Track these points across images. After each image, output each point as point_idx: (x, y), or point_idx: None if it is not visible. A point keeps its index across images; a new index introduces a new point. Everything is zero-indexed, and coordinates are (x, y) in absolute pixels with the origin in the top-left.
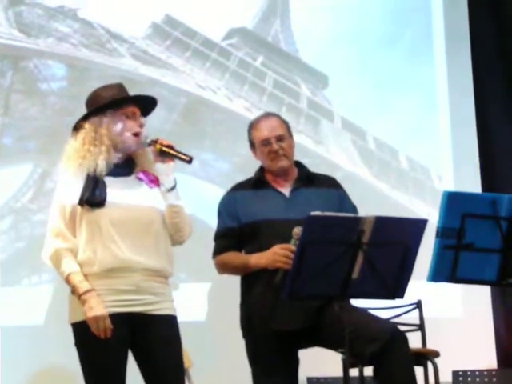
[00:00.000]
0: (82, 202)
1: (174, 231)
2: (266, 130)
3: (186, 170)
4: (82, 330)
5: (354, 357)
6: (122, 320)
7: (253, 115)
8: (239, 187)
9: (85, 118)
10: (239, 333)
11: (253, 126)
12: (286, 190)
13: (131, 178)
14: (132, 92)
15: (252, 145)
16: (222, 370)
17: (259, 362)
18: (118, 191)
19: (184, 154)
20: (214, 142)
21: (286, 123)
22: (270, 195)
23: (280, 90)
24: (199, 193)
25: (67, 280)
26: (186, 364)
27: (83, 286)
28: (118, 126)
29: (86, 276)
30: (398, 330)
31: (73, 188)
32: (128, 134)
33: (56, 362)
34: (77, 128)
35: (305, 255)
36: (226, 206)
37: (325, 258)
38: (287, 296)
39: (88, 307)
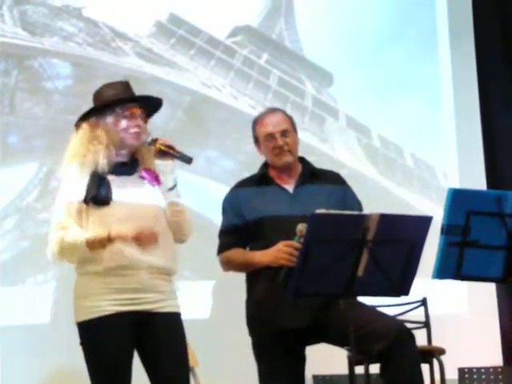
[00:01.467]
0: (87, 200)
1: (176, 230)
2: (270, 125)
3: (190, 167)
4: (86, 330)
5: (360, 354)
6: (126, 319)
7: (257, 113)
8: (243, 184)
9: (84, 117)
10: (244, 331)
11: (257, 121)
12: (289, 186)
13: (134, 177)
14: (136, 90)
15: (256, 140)
16: (227, 368)
17: (265, 360)
18: (121, 190)
19: (184, 155)
20: (219, 139)
21: (290, 118)
22: (273, 191)
23: (285, 87)
24: (204, 190)
25: (88, 245)
26: (192, 363)
27: (103, 233)
28: (116, 126)
29: (90, 274)
30: (406, 327)
31: (78, 186)
32: (125, 134)
33: (61, 362)
34: (77, 126)
35: (309, 253)
36: (230, 203)
37: (329, 255)
38: (292, 294)
39: (119, 236)
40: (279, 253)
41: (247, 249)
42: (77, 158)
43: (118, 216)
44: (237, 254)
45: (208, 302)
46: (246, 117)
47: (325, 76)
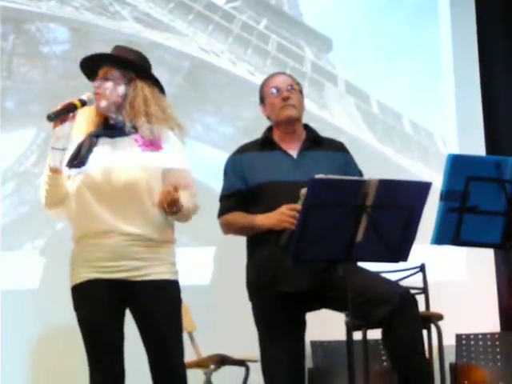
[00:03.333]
0: (66, 165)
1: (176, 220)
2: (277, 81)
3: (188, 134)
4: (75, 294)
5: (361, 319)
6: (106, 285)
7: (256, 79)
8: (246, 148)
9: None
10: (244, 296)
11: (265, 81)
12: (293, 152)
13: (128, 138)
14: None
15: (262, 100)
16: (227, 333)
17: (265, 324)
18: (105, 153)
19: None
20: (218, 105)
21: (298, 83)
22: (277, 157)
23: (284, 53)
24: (202, 156)
25: (46, 174)
26: (190, 328)
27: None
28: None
29: (74, 242)
30: (408, 292)
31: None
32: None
33: (58, 326)
34: None
35: (308, 218)
36: (233, 167)
37: (328, 221)
38: (291, 259)
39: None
40: (282, 216)
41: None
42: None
43: (87, 181)
44: (238, 216)
45: (208, 268)
46: (245, 83)
47: (324, 42)
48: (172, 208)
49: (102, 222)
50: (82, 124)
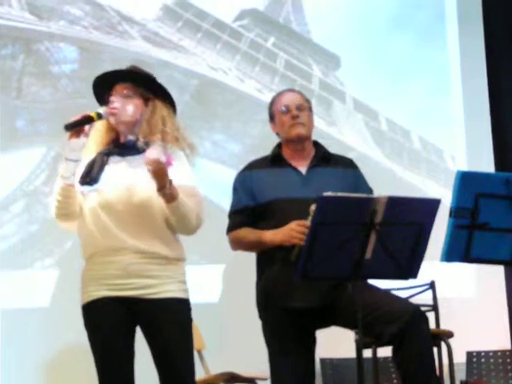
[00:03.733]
0: (78, 181)
1: (178, 224)
2: (286, 99)
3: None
4: (85, 313)
5: (372, 337)
6: (117, 303)
7: (264, 96)
8: (256, 165)
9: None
10: (252, 314)
11: (274, 98)
12: (302, 168)
13: (139, 157)
14: None
15: (271, 117)
16: (236, 351)
17: (275, 341)
18: (118, 171)
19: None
20: (226, 123)
21: (308, 100)
22: (286, 173)
23: (292, 71)
24: (210, 174)
25: (58, 186)
26: (199, 346)
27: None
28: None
29: (84, 259)
30: (419, 309)
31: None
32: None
33: (68, 345)
34: None
35: (317, 236)
36: (243, 184)
37: (337, 238)
38: (299, 277)
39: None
40: (292, 232)
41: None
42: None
43: (101, 199)
44: (246, 232)
45: (217, 286)
46: (253, 100)
47: (332, 59)
48: (161, 179)
49: (114, 239)
50: (90, 143)
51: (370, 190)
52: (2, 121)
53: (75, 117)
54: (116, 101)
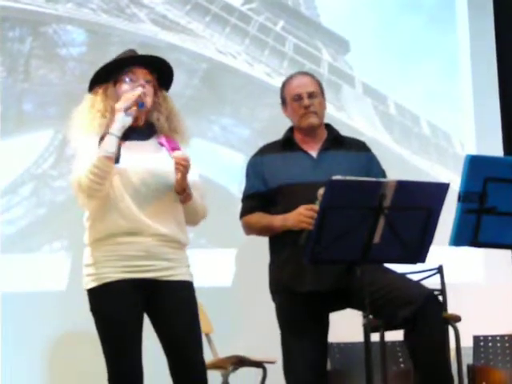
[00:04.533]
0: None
1: (188, 220)
2: (298, 86)
3: (206, 135)
4: (93, 297)
5: (384, 319)
6: (133, 285)
7: (273, 80)
8: (267, 149)
9: (90, 88)
10: (261, 297)
11: (286, 82)
12: (313, 152)
13: (150, 142)
14: None
15: (283, 101)
16: (244, 335)
17: (289, 325)
18: (134, 154)
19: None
20: (235, 107)
21: (319, 82)
22: (297, 157)
23: (301, 55)
24: (219, 158)
25: (100, 160)
26: (207, 329)
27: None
28: (118, 91)
29: (96, 242)
30: (433, 294)
31: (93, 147)
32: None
33: (75, 328)
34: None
35: (326, 220)
36: (254, 168)
37: (346, 222)
38: (308, 260)
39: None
40: (300, 216)
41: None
42: (81, 130)
43: (124, 180)
44: (258, 217)
45: (225, 270)
46: (262, 84)
47: (341, 43)
48: (185, 179)
49: (137, 221)
50: (92, 121)
51: (383, 173)
52: (9, 104)
53: (130, 100)
54: (143, 84)
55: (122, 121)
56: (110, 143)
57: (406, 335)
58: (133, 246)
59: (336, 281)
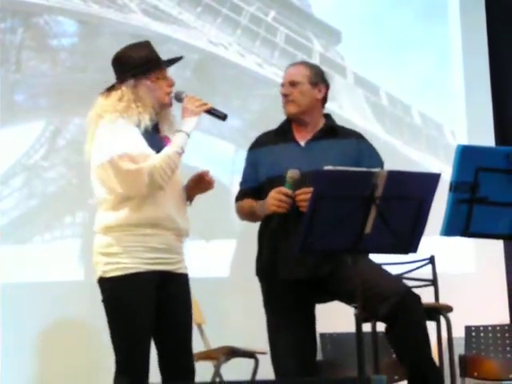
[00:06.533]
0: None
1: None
2: (284, 76)
3: (197, 126)
4: (115, 285)
5: (368, 313)
6: (152, 278)
7: (264, 71)
8: (263, 141)
9: (121, 80)
10: (252, 288)
11: None
12: (303, 141)
13: (159, 137)
14: None
15: None
16: (235, 325)
17: (274, 314)
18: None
19: (219, 112)
20: (226, 98)
21: (310, 71)
22: (287, 148)
23: (292, 45)
24: (211, 149)
25: (175, 155)
26: (199, 320)
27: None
28: (155, 87)
29: (121, 229)
30: (410, 290)
31: (133, 138)
32: (164, 95)
33: (67, 319)
34: (110, 90)
35: (317, 210)
36: (249, 161)
37: (337, 212)
38: (299, 251)
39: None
40: (271, 200)
41: None
42: (122, 116)
43: None
44: (245, 203)
45: (216, 261)
46: (253, 75)
47: (332, 33)
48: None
49: (166, 214)
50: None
51: (381, 163)
52: (1, 95)
53: (206, 107)
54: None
55: (196, 123)
56: (184, 141)
57: (386, 332)
58: (155, 238)
59: (312, 270)
